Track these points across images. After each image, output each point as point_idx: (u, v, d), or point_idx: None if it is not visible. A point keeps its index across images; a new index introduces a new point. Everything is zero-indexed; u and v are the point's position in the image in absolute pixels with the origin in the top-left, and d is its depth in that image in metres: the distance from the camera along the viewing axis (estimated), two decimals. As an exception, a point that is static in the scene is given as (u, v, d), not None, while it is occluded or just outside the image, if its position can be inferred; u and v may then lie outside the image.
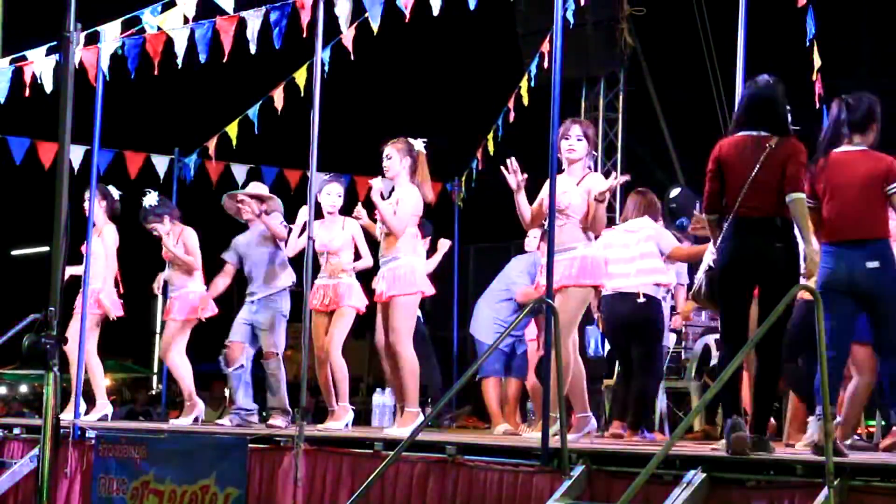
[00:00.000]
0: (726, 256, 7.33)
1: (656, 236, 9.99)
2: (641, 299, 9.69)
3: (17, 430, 11.13)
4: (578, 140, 8.88)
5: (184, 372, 11.54)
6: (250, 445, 9.12)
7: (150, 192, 11.80)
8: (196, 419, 11.46)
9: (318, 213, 10.28)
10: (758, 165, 7.21)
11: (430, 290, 9.81)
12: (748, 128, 7.38)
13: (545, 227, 9.15)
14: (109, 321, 11.95)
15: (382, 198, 9.66)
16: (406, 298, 9.52)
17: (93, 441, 10.23)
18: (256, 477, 9.10)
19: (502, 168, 8.80)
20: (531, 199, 8.97)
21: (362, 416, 13.34)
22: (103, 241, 11.74)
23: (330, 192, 10.52)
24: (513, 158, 8.76)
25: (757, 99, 7.42)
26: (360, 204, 10.08)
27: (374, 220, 9.83)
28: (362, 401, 10.35)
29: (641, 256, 9.80)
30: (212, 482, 9.14)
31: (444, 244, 12.01)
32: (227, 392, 12.58)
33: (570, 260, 8.66)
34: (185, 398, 11.67)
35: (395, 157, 9.61)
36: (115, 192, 12.03)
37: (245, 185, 12.82)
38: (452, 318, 14.92)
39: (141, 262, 11.89)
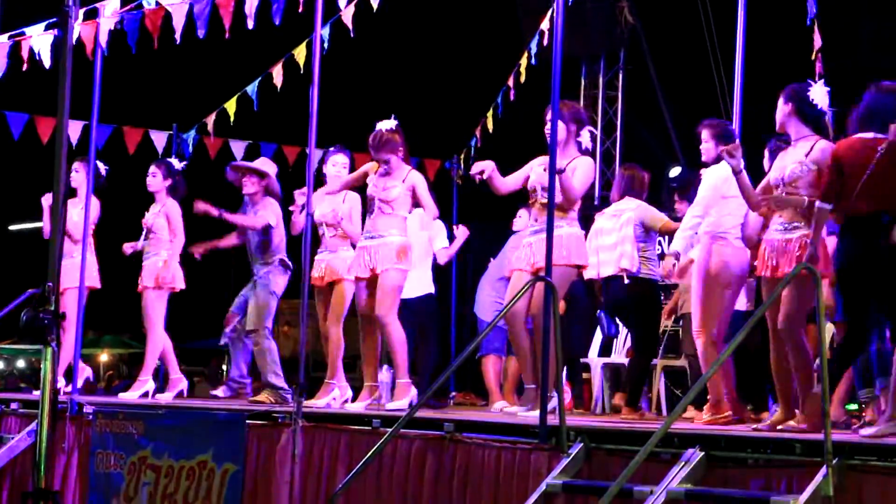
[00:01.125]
0: (839, 258, 7.52)
1: (638, 216, 9.91)
2: (626, 281, 9.68)
3: (14, 405, 11.13)
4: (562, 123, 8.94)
5: (157, 345, 11.53)
6: (248, 421, 9.12)
7: (181, 164, 11.95)
8: (146, 393, 11.44)
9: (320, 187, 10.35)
10: (869, 168, 7.32)
11: (409, 267, 9.87)
12: (862, 130, 7.55)
13: (532, 205, 9.21)
14: (96, 296, 11.94)
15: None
16: (398, 274, 9.61)
17: (90, 416, 10.23)
18: (254, 453, 9.11)
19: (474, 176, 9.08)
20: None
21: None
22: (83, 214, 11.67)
23: (336, 163, 10.50)
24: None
25: (872, 103, 7.57)
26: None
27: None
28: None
29: (623, 241, 9.77)
30: (209, 458, 9.15)
31: (462, 233, 11.98)
32: (224, 367, 12.55)
33: (554, 239, 8.63)
34: (142, 371, 11.65)
35: (391, 157, 9.67)
36: (103, 167, 11.98)
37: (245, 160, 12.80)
38: (451, 296, 14.91)
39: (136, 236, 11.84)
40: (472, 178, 9.25)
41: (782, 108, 7.88)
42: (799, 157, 7.72)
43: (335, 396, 10.20)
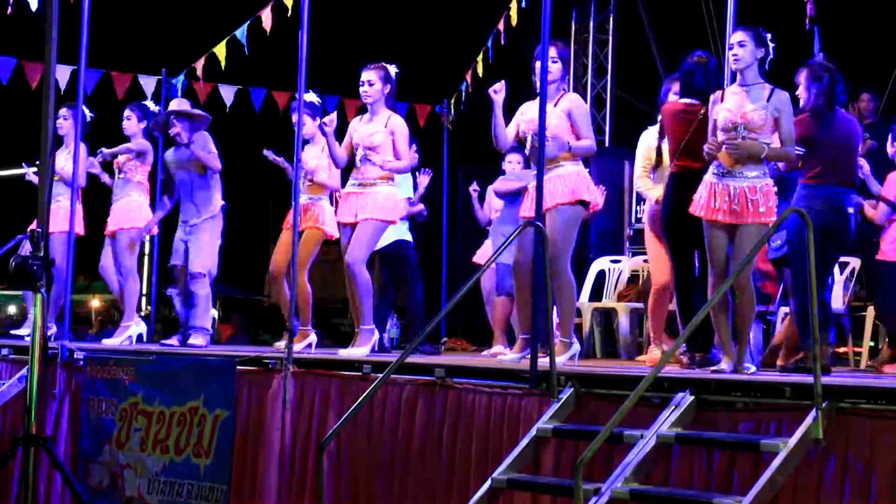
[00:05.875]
0: (665, 208, 8.52)
1: None
2: None
3: (5, 351, 11.11)
4: (553, 62, 8.74)
5: (133, 289, 11.50)
6: (238, 367, 9.13)
7: (156, 107, 11.99)
8: (133, 337, 11.43)
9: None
10: (690, 131, 8.32)
11: (397, 219, 9.81)
12: (684, 97, 8.52)
13: (526, 149, 9.15)
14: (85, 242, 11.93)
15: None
16: (379, 224, 9.58)
17: (81, 362, 10.22)
18: (245, 399, 9.13)
19: (489, 91, 8.81)
20: (508, 120, 8.98)
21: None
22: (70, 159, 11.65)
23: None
24: (502, 82, 8.76)
25: (687, 74, 8.56)
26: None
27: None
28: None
29: None
30: (200, 403, 9.16)
31: (423, 180, 11.92)
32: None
33: (556, 178, 8.59)
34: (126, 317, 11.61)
35: (376, 83, 9.61)
36: (88, 113, 11.93)
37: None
38: (441, 239, 14.90)
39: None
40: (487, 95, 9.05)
41: (754, 52, 7.88)
42: (759, 103, 7.73)
43: (312, 342, 10.19)
